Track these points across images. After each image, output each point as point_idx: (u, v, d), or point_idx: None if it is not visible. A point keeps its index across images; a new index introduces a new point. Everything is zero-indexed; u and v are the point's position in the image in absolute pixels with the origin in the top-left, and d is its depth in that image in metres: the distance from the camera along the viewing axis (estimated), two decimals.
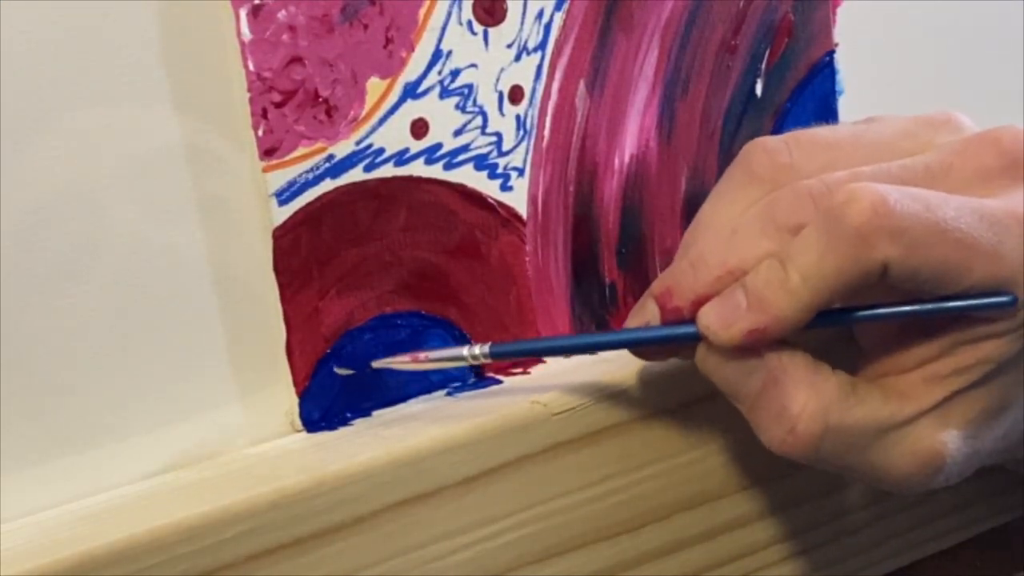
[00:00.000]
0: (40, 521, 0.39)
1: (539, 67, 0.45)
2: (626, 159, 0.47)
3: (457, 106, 0.44)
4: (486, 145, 0.44)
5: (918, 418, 0.40)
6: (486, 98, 0.44)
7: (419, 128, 0.43)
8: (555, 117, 0.46)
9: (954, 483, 0.41)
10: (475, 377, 0.46)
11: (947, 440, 0.40)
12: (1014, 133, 0.41)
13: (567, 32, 0.45)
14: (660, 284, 0.42)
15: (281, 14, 0.40)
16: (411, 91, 0.43)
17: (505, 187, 0.45)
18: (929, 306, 0.39)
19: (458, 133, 0.44)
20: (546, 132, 0.46)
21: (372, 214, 0.43)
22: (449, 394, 0.45)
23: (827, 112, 0.51)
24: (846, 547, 0.49)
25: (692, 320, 0.40)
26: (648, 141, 0.48)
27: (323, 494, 0.39)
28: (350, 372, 0.43)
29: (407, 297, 0.44)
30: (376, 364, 0.43)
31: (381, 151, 0.43)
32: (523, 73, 0.45)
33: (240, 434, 0.42)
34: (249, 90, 0.40)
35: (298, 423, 0.43)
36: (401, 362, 0.43)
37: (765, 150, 0.42)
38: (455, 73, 0.43)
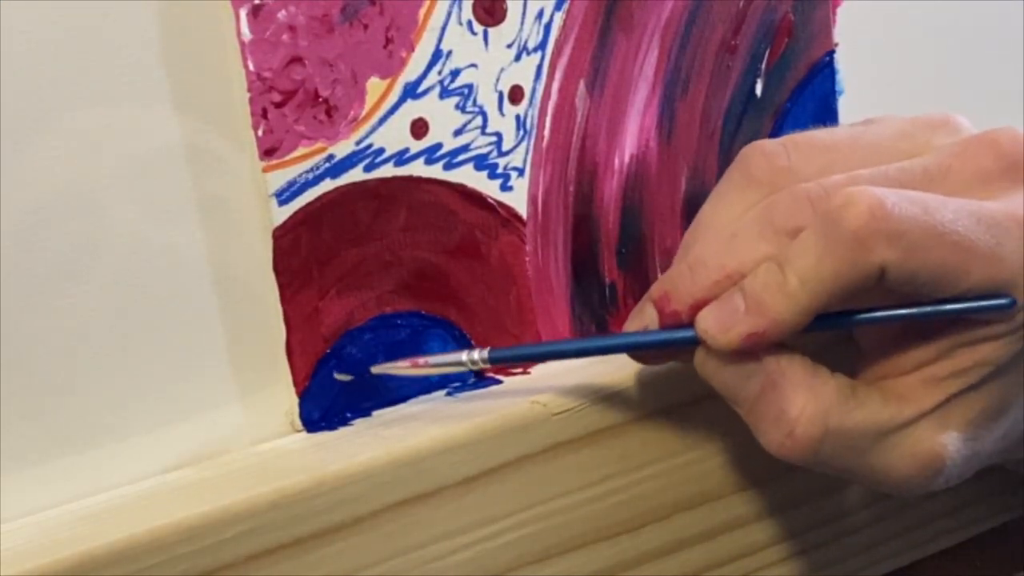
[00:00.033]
0: (40, 521, 0.39)
1: (539, 67, 0.45)
2: (626, 159, 0.47)
3: (457, 106, 0.44)
4: (486, 145, 0.44)
5: (917, 420, 0.40)
6: (486, 98, 0.44)
7: (419, 128, 0.43)
8: (555, 117, 0.46)
9: (954, 484, 0.41)
10: (475, 377, 0.46)
11: (947, 442, 0.40)
12: (1012, 135, 0.41)
13: (567, 32, 0.45)
14: (658, 288, 0.42)
15: (281, 14, 0.40)
16: (411, 91, 0.43)
17: (505, 187, 0.45)
18: (927, 309, 0.39)
19: (458, 133, 0.44)
20: (546, 132, 0.46)
21: (372, 214, 0.43)
22: (449, 394, 0.45)
23: (827, 112, 0.51)
24: (846, 547, 0.49)
25: (690, 324, 0.40)
26: (648, 141, 0.48)
27: (323, 494, 0.39)
28: (350, 378, 0.43)
29: (407, 297, 0.44)
30: (376, 369, 0.43)
31: (381, 151, 0.43)
32: (523, 73, 0.45)
33: (240, 434, 0.42)
34: (249, 90, 0.40)
35: (298, 423, 0.43)
36: (401, 367, 0.43)
37: (763, 153, 0.42)
38: (455, 73, 0.43)
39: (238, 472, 0.41)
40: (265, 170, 0.41)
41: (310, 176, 0.41)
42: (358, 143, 0.42)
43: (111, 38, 0.39)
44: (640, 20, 0.47)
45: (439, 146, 0.44)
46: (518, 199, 0.45)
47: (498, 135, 0.45)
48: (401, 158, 0.43)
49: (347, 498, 0.39)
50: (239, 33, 0.40)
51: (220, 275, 0.41)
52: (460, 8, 0.43)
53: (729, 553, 0.47)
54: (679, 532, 0.46)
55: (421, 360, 0.42)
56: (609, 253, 0.48)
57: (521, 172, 0.45)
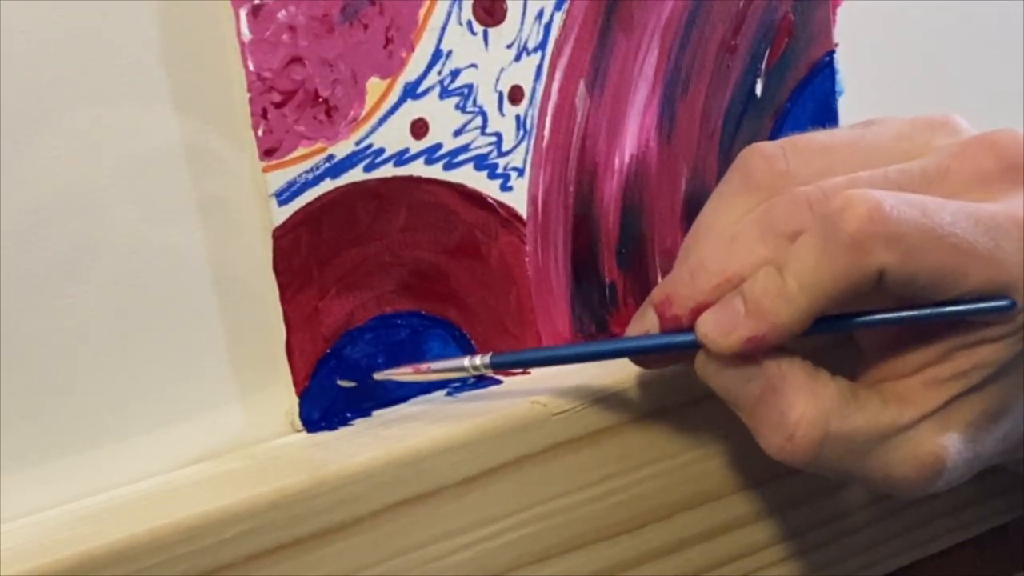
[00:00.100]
0: (40, 521, 0.39)
1: (539, 67, 0.45)
2: (626, 159, 0.47)
3: (457, 106, 0.44)
4: (486, 145, 0.44)
5: (918, 423, 0.40)
6: (486, 98, 0.44)
7: (419, 128, 0.43)
8: (555, 117, 0.46)
9: (955, 486, 0.41)
10: (475, 378, 0.45)
11: (947, 444, 0.40)
12: (1011, 136, 0.41)
13: (567, 32, 0.45)
14: (660, 292, 0.42)
15: (281, 14, 0.40)
16: (411, 91, 0.43)
17: (505, 187, 0.45)
18: (927, 311, 0.39)
19: (458, 133, 0.44)
20: (546, 132, 0.46)
21: (372, 214, 0.43)
22: (449, 394, 0.45)
23: (827, 112, 0.51)
24: (846, 547, 0.49)
25: (691, 328, 0.40)
26: (648, 141, 0.48)
27: (323, 494, 0.39)
28: (352, 384, 0.43)
29: (407, 297, 0.44)
30: (378, 376, 0.43)
31: (381, 151, 0.43)
32: (523, 73, 0.45)
33: (240, 434, 0.42)
34: (249, 90, 0.40)
35: (298, 423, 0.43)
36: (403, 373, 0.43)
37: (762, 156, 0.42)
38: (455, 73, 0.43)
39: (238, 472, 0.41)
40: (265, 170, 0.41)
41: (310, 176, 0.41)
42: (358, 143, 0.42)
43: (111, 38, 0.39)
44: (640, 20, 0.47)
45: (439, 146, 0.44)
46: (518, 199, 0.45)
47: (498, 135, 0.45)
48: (401, 158, 0.43)
49: (347, 498, 0.39)
50: (239, 33, 0.40)
51: (220, 275, 0.41)
52: (460, 8, 0.43)
53: (729, 553, 0.47)
54: (679, 532, 0.46)
55: (423, 366, 0.42)
56: (609, 253, 0.48)
57: (521, 172, 0.45)
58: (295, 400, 0.43)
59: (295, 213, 0.41)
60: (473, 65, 0.44)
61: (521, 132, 0.45)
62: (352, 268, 0.43)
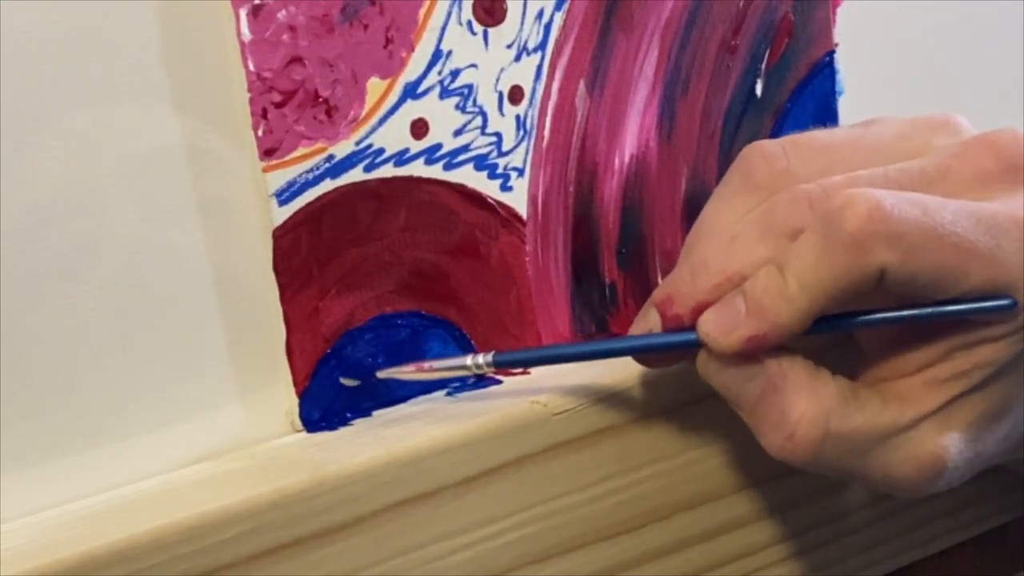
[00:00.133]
0: (40, 521, 0.39)
1: (539, 67, 0.45)
2: (626, 159, 0.47)
3: (457, 106, 0.44)
4: (486, 145, 0.44)
5: (919, 423, 0.40)
6: (486, 98, 0.44)
7: (419, 128, 0.43)
8: (555, 117, 0.46)
9: (955, 486, 0.41)
10: (475, 377, 0.45)
11: (948, 444, 0.40)
12: (1012, 136, 0.41)
13: (567, 32, 0.45)
14: (661, 291, 0.42)
15: (281, 14, 0.40)
16: (411, 91, 0.43)
17: (505, 187, 0.45)
18: (928, 310, 0.39)
19: (458, 133, 0.44)
20: (546, 132, 0.46)
21: (372, 214, 0.43)
22: (449, 394, 0.45)
23: (827, 112, 0.51)
24: (846, 547, 0.49)
25: (693, 327, 0.40)
26: (648, 141, 0.48)
27: (323, 494, 0.39)
28: (356, 383, 0.43)
29: (407, 297, 0.44)
30: (381, 374, 0.43)
31: (381, 151, 0.43)
32: (523, 73, 0.45)
33: (240, 434, 0.42)
34: (249, 90, 0.40)
35: (298, 423, 0.43)
36: (406, 372, 0.43)
37: (763, 155, 0.42)
38: (455, 73, 0.43)
39: (238, 472, 0.41)
40: (265, 170, 0.41)
41: (310, 176, 0.41)
42: (358, 143, 0.42)
43: (111, 38, 0.39)
44: (640, 20, 0.47)
45: (439, 146, 0.44)
46: (518, 199, 0.45)
47: (498, 135, 0.45)
48: (401, 158, 0.43)
49: (347, 498, 0.39)
50: (239, 33, 0.40)
51: (220, 275, 0.41)
52: (460, 8, 0.43)
53: (729, 553, 0.47)
54: (679, 532, 0.46)
55: (426, 365, 0.43)
56: (609, 253, 0.48)
57: (521, 172, 0.45)
58: (295, 400, 0.43)
59: (295, 213, 0.41)
60: (473, 65, 0.44)
61: (521, 132, 0.45)
62: (352, 268, 0.43)
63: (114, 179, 0.39)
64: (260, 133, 0.40)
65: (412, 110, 0.43)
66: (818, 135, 0.43)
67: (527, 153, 0.45)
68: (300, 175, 0.41)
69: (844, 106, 0.51)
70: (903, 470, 0.40)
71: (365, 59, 0.42)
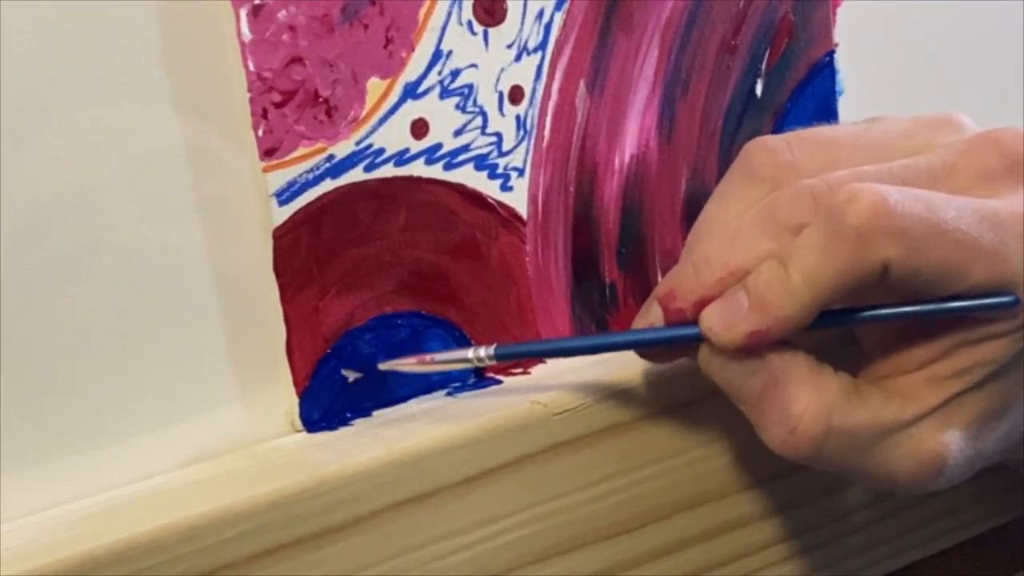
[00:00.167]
0: (40, 521, 0.39)
1: (539, 67, 0.45)
2: (626, 159, 0.47)
3: (457, 106, 0.44)
4: (486, 145, 0.44)
5: (920, 420, 0.40)
6: (486, 98, 0.44)
7: (419, 128, 0.43)
8: (555, 117, 0.46)
9: (956, 484, 0.41)
10: (475, 377, 0.46)
11: (949, 441, 0.40)
12: (1015, 134, 0.41)
13: (567, 32, 0.45)
14: (664, 286, 0.42)
15: (281, 14, 0.40)
16: (411, 91, 0.43)
17: (505, 187, 0.45)
18: (931, 306, 0.39)
19: (458, 133, 0.44)
20: (546, 132, 0.46)
21: (372, 214, 0.43)
22: (449, 394, 0.45)
23: (827, 112, 0.51)
24: (846, 547, 0.49)
25: (695, 321, 0.40)
26: (648, 141, 0.48)
27: (323, 494, 0.39)
28: (358, 375, 0.43)
29: (407, 297, 0.44)
30: (383, 366, 0.43)
31: (381, 151, 0.43)
32: (523, 73, 0.45)
33: (240, 434, 0.42)
34: (249, 90, 0.40)
35: (298, 423, 0.43)
36: (408, 364, 0.43)
37: (767, 149, 0.42)
38: (455, 73, 0.43)
39: (238, 472, 0.41)
40: (265, 170, 0.41)
41: (310, 176, 0.41)
42: (358, 143, 0.42)
43: (111, 38, 0.39)
44: (640, 20, 0.47)
45: (439, 146, 0.44)
46: (518, 199, 0.45)
47: (498, 135, 0.45)
48: (401, 158, 0.43)
49: (347, 498, 0.39)
50: (239, 33, 0.40)
51: (220, 275, 0.41)
52: (460, 8, 0.43)
53: (729, 553, 0.47)
54: (679, 532, 0.46)
55: (428, 357, 0.42)
56: (609, 253, 0.48)
57: (521, 172, 0.45)
58: (295, 400, 0.43)
59: (295, 213, 0.41)
60: (473, 65, 0.44)
61: (521, 132, 0.45)
62: (352, 268, 0.43)
63: (114, 179, 0.39)
64: (260, 133, 0.40)
65: (412, 110, 0.43)
66: (821, 131, 0.43)
67: (527, 153, 0.45)
68: (300, 175, 0.41)
69: (844, 106, 0.51)
70: (904, 467, 0.40)
71: (365, 59, 0.42)
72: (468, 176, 0.44)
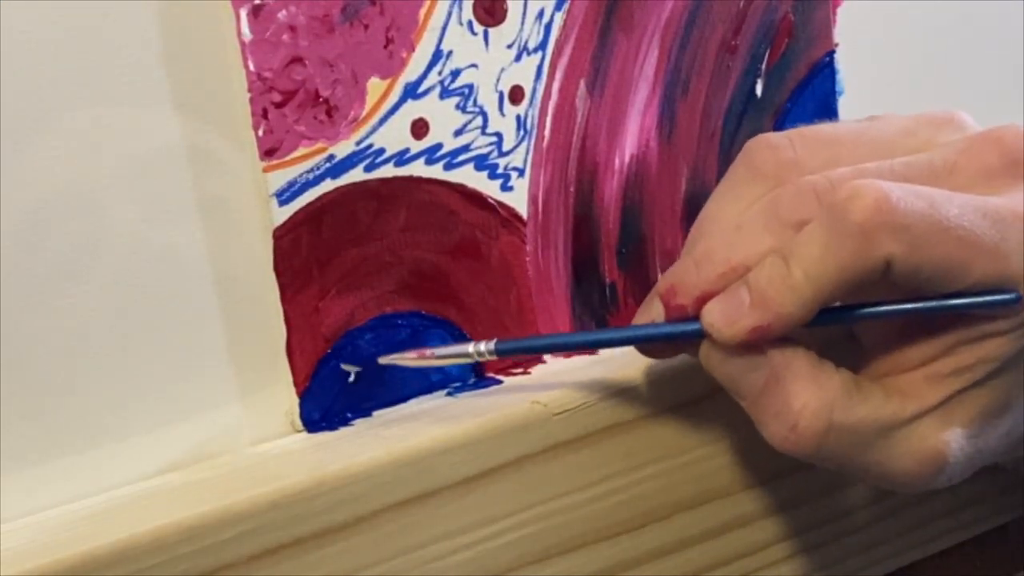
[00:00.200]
0: (40, 521, 0.39)
1: (539, 67, 0.45)
2: (626, 159, 0.47)
3: (457, 106, 0.44)
4: (486, 145, 0.44)
5: (920, 417, 0.40)
6: (486, 98, 0.44)
7: (419, 128, 0.43)
8: (555, 117, 0.46)
9: (956, 482, 0.41)
10: (475, 377, 0.46)
11: (949, 439, 0.40)
12: (1016, 132, 0.41)
13: (567, 32, 0.45)
14: (665, 282, 0.42)
15: (281, 14, 0.40)
16: (411, 91, 0.43)
17: (505, 187, 0.45)
18: (932, 303, 0.39)
19: (458, 133, 0.44)
20: (546, 132, 0.46)
21: (372, 214, 0.43)
22: (449, 394, 0.45)
23: (827, 112, 0.51)
24: (846, 547, 0.49)
25: (696, 317, 0.40)
26: (648, 141, 0.48)
27: (323, 494, 0.39)
28: (357, 369, 0.43)
29: (407, 297, 0.44)
30: (383, 360, 0.43)
31: (381, 151, 0.43)
32: (523, 73, 0.45)
33: (240, 434, 0.42)
34: (249, 90, 0.40)
35: (298, 423, 0.43)
36: (408, 358, 0.43)
37: (768, 146, 0.42)
38: (455, 73, 0.43)
39: (238, 472, 0.41)
40: (265, 170, 0.41)
41: (310, 176, 0.41)
42: (358, 143, 0.42)
43: (111, 38, 0.39)
44: (640, 20, 0.47)
45: (439, 146, 0.44)
46: (518, 199, 0.45)
47: (498, 135, 0.45)
48: (401, 158, 0.43)
49: (347, 498, 0.39)
50: (239, 33, 0.40)
51: (220, 275, 0.41)
52: (460, 8, 0.43)
53: (730, 553, 0.47)
54: (679, 532, 0.46)
55: (428, 352, 0.42)
56: (609, 253, 0.48)
57: (521, 172, 0.45)
58: (295, 400, 0.43)
59: (295, 213, 0.41)
60: (473, 65, 0.44)
61: (521, 132, 0.45)
62: (352, 268, 0.43)
63: (114, 179, 0.39)
64: (260, 133, 0.40)
65: (412, 110, 0.43)
66: (823, 128, 0.43)
67: (527, 153, 0.45)
68: (300, 175, 0.41)
69: (844, 106, 0.51)
70: (904, 464, 0.40)
71: (365, 59, 0.42)
72: (468, 176, 0.44)
